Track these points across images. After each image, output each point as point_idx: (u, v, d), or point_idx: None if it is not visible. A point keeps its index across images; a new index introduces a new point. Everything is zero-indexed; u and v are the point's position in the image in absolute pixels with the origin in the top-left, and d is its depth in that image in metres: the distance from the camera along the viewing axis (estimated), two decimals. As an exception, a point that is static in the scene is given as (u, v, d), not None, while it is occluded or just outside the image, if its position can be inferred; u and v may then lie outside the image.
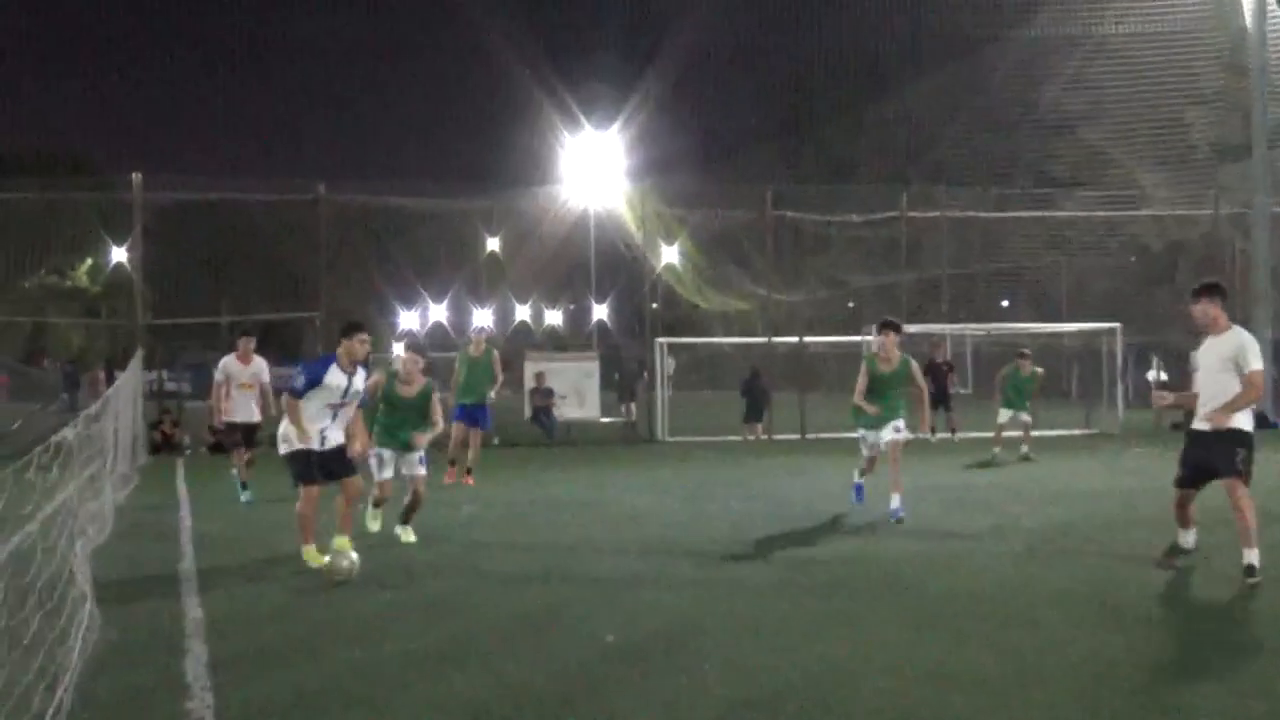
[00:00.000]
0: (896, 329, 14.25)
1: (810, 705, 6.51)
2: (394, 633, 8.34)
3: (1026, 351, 23.73)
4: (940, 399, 28.87)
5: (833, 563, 11.08)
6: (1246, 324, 29.75)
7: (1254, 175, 32.85)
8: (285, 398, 11.15)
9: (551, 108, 41.44)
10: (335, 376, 10.98)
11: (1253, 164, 32.87)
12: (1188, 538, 10.78)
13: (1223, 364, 10.04)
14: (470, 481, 18.29)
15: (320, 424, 11.03)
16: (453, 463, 18.52)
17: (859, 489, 14.89)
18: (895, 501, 13.81)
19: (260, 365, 17.08)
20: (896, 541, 12.36)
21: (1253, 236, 32.87)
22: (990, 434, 23.15)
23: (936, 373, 29.53)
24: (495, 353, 18.96)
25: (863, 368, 14.20)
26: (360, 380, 11.23)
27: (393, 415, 12.60)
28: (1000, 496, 16.28)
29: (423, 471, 12.54)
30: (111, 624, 8.32)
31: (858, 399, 14.01)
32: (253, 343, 17.07)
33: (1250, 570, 9.65)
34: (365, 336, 11.18)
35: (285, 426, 11.06)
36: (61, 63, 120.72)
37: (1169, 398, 11.47)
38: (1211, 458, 10.10)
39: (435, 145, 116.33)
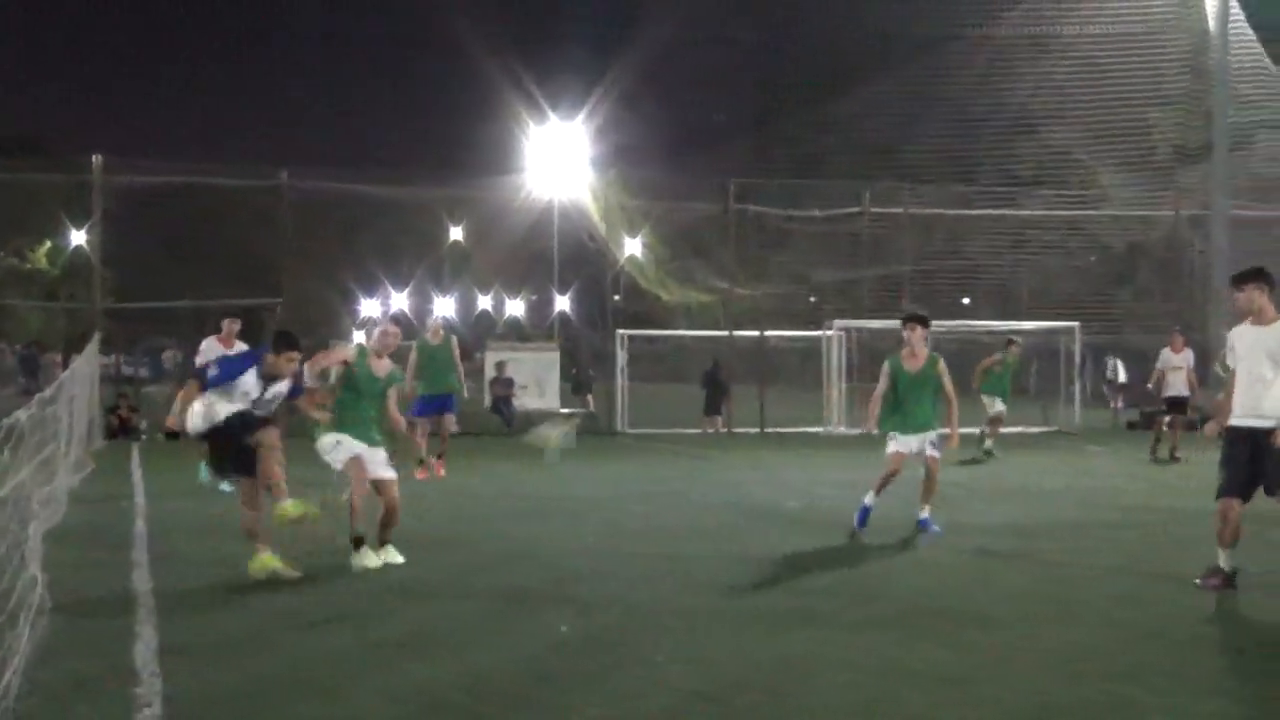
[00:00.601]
0: (925, 322, 12.88)
1: (764, 699, 6.51)
2: (350, 621, 8.29)
3: (1016, 339, 23.92)
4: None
5: (791, 558, 11.06)
6: (1204, 325, 30.35)
7: (1214, 177, 33.12)
8: (189, 380, 10.38)
9: (516, 98, 41.24)
10: (249, 381, 10.01)
11: (1213, 166, 33.13)
12: (1227, 558, 9.48)
13: (1271, 358, 9.32)
14: (441, 471, 17.93)
15: (231, 408, 9.95)
16: (421, 462, 17.89)
17: (865, 513, 12.47)
18: (926, 512, 12.59)
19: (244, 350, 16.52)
20: (855, 539, 12.35)
21: (1212, 238, 33.13)
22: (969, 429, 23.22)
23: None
24: (454, 340, 18.76)
25: (885, 368, 12.72)
26: (281, 386, 10.18)
27: (357, 403, 10.72)
28: (959, 494, 16.30)
29: (392, 475, 10.78)
30: (61, 609, 8.23)
31: (875, 405, 12.68)
32: (238, 325, 16.36)
33: None
34: (295, 355, 10.22)
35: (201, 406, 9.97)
36: (22, 44, 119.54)
37: (1214, 429, 10.14)
38: (1261, 468, 9.29)
39: (400, 134, 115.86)
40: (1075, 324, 31.41)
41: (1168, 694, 6.63)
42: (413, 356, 17.95)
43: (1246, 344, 9.52)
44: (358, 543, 10.32)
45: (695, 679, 6.85)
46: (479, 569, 10.37)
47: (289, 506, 9.64)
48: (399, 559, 10.48)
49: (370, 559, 10.27)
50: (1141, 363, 37.38)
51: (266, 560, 9.67)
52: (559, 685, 6.73)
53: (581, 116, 37.28)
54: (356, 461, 10.47)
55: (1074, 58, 35.34)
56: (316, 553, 10.24)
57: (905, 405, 12.55)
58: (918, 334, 12.59)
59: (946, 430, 12.95)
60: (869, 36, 44.81)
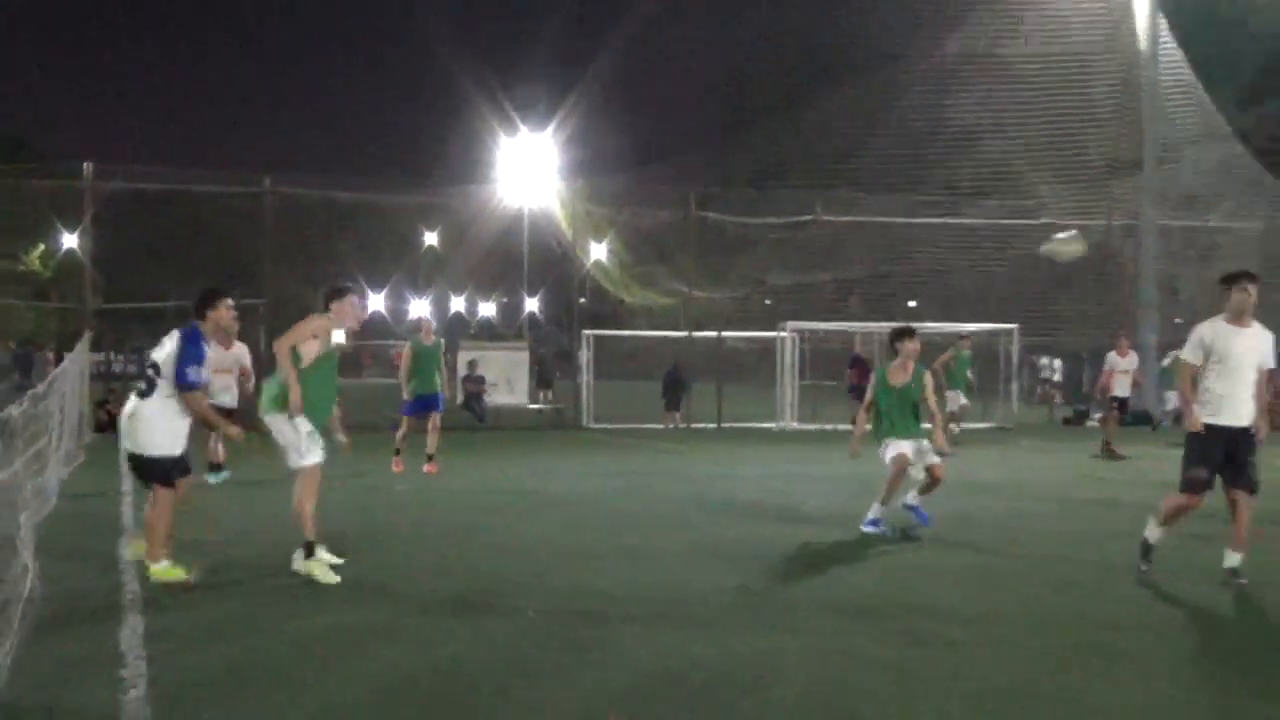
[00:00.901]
0: (914, 334, 12.17)
1: (730, 684, 6.50)
2: (326, 607, 8.22)
3: (967, 335, 24.40)
4: (860, 390, 29.22)
5: (751, 547, 11.04)
6: (1134, 330, 30.58)
7: (1144, 189, 33.41)
8: (193, 394, 8.90)
9: (489, 111, 41.19)
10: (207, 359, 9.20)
11: (1143, 178, 33.41)
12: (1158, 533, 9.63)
13: (1254, 358, 9.22)
14: (433, 469, 17.54)
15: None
16: (398, 452, 17.74)
17: (876, 524, 11.93)
18: (916, 499, 12.18)
19: (241, 349, 15.89)
20: (812, 529, 12.32)
21: (1141, 246, 33.44)
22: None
23: (859, 364, 29.89)
24: (442, 341, 18.66)
25: (872, 380, 12.23)
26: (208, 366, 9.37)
27: (323, 383, 9.46)
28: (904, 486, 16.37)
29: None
30: (51, 596, 8.16)
31: (862, 419, 12.17)
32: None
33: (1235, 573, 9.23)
34: (228, 302, 9.31)
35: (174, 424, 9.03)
36: (15, 50, 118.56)
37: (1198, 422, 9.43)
38: (1234, 464, 9.20)
39: (380, 143, 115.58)
40: (1015, 326, 31.65)
41: (1108, 675, 6.68)
42: (405, 356, 17.83)
43: (1229, 345, 9.24)
44: (310, 549, 9.27)
45: (661, 664, 6.82)
46: (452, 558, 10.32)
47: (165, 569, 8.85)
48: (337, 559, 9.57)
49: (323, 572, 9.12)
50: (1076, 363, 37.73)
51: (161, 571, 8.88)
52: (531, 671, 6.68)
53: (551, 128, 37.25)
54: (320, 468, 9.43)
55: (1014, 76, 35.54)
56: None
57: (891, 415, 12.01)
58: (910, 347, 11.97)
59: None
60: (823, 54, 45.01)
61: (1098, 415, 22.17)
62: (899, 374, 12.03)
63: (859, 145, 39.49)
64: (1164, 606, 8.69)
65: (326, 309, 9.51)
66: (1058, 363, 38.16)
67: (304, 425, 9.23)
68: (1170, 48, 33.73)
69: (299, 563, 9.21)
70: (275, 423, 9.24)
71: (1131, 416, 21.01)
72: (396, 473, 17.25)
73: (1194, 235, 34.53)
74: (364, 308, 10.26)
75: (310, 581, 9.04)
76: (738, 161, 46.00)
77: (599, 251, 34.08)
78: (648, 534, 11.80)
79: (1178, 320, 33.61)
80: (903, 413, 12.00)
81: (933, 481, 11.98)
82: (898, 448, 11.85)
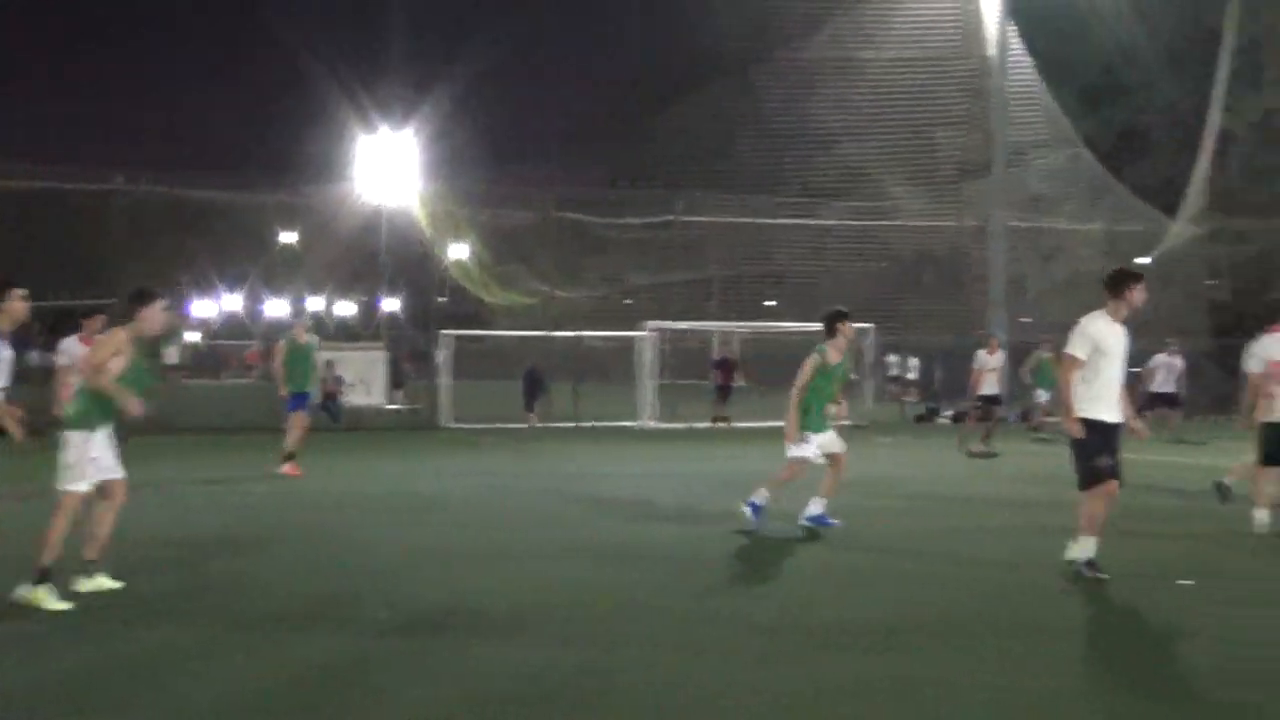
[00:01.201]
0: (849, 315, 12.43)
1: (585, 678, 6.52)
2: (174, 615, 8.07)
3: (1047, 339, 24.43)
4: (726, 389, 29.64)
5: (608, 542, 11.13)
6: (983, 327, 31.32)
7: (992, 192, 34.28)
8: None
9: (348, 107, 40.64)
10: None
11: (991, 181, 34.27)
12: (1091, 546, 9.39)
13: (1124, 355, 9.41)
14: (294, 471, 16.90)
15: None
16: (292, 456, 17.09)
17: (822, 519, 12.06)
18: (822, 507, 12.14)
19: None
20: (668, 527, 12.40)
21: (990, 247, 34.30)
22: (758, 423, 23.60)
23: (725, 365, 30.16)
24: (317, 339, 18.29)
25: (812, 361, 11.93)
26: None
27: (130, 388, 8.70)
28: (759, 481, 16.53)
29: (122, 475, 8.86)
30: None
31: (797, 406, 11.84)
32: (98, 323, 13.86)
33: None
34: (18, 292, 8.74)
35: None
36: None
37: (1142, 431, 10.01)
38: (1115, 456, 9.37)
39: (235, 140, 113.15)
40: (870, 325, 32.13)
41: (984, 674, 6.77)
42: (279, 354, 17.44)
43: (1110, 341, 9.34)
44: (45, 574, 8.15)
45: (512, 663, 6.83)
46: (302, 568, 10.10)
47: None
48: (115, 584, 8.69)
49: (50, 601, 8.07)
50: (929, 361, 38.51)
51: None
52: (377, 669, 6.64)
53: (411, 126, 36.82)
54: (80, 499, 8.53)
55: (871, 80, 36.09)
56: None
57: (821, 398, 11.98)
58: (849, 328, 12.37)
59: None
60: (684, 56, 45.26)
61: (979, 412, 22.55)
62: (835, 353, 12.13)
63: (720, 147, 39.81)
64: (1042, 605, 8.87)
65: (131, 316, 8.85)
66: (914, 360, 38.86)
67: (90, 451, 8.46)
68: (1019, 54, 34.62)
69: (23, 591, 8.13)
70: (69, 439, 8.48)
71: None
72: (293, 476, 16.77)
73: (1040, 236, 35.52)
74: (175, 313, 9.43)
75: (141, 597, 8.56)
76: (599, 162, 46.05)
77: (459, 251, 33.88)
78: (505, 533, 11.78)
79: (1024, 319, 34.53)
80: (827, 397, 12.05)
81: (837, 470, 12.15)
82: (804, 449, 11.88)
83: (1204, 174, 34.95)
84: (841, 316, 12.32)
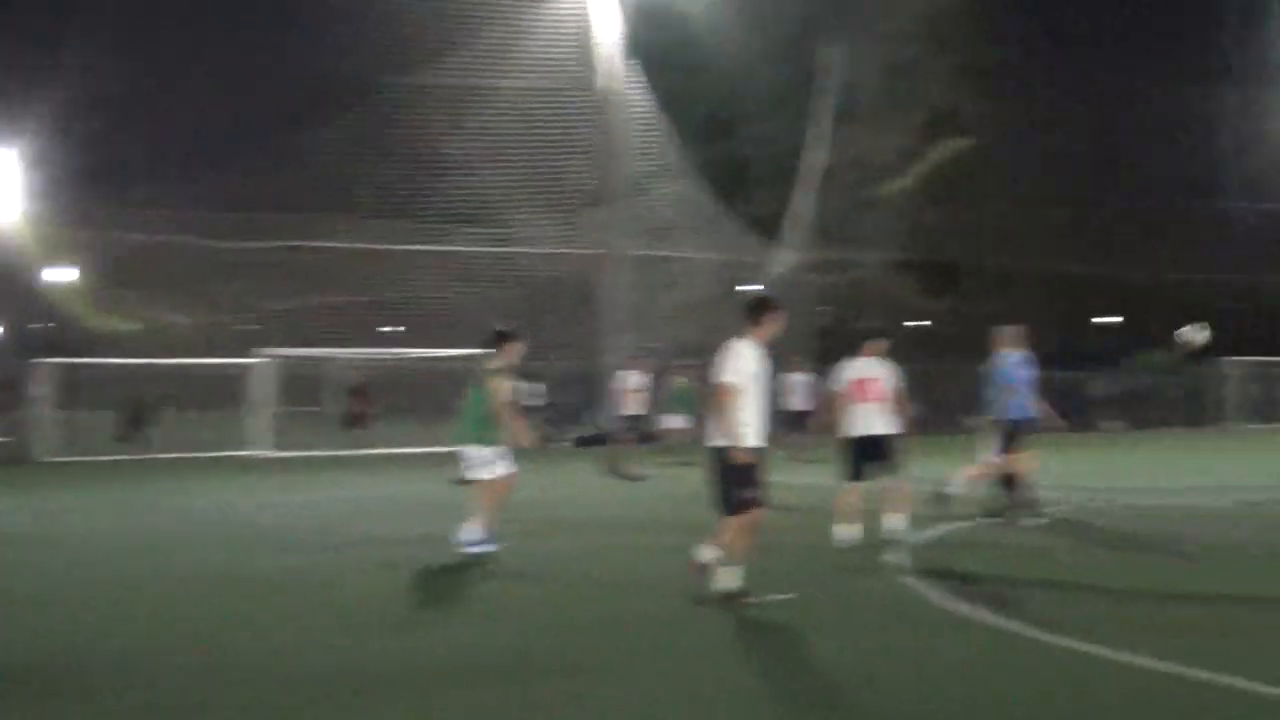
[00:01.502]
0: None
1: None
2: None
3: (686, 365, 25.42)
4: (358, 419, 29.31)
5: (229, 573, 11.21)
6: (604, 353, 32.13)
7: (615, 221, 35.28)
8: None
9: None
10: None
11: (614, 210, 35.27)
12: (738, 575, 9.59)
13: (766, 380, 9.57)
14: None
15: None
16: None
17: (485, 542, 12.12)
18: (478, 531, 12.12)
19: None
20: (268, 558, 12.31)
21: (614, 274, 35.28)
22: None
23: (359, 393, 29.81)
24: None
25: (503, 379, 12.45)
26: None
27: None
28: (388, 509, 16.44)
29: None
30: None
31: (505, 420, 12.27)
32: None
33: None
34: None
35: None
36: None
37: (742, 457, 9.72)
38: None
39: None
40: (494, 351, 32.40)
41: (607, 687, 7.09)
42: None
43: (757, 368, 9.45)
44: None
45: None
46: None
47: None
48: None
49: None
50: (563, 386, 39.13)
51: None
52: None
53: (14, 143, 34.78)
54: None
55: (498, 108, 36.45)
56: None
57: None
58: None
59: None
60: (317, 79, 44.58)
61: (629, 435, 23.05)
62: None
63: (353, 171, 39.40)
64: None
65: None
66: (542, 386, 39.36)
67: None
68: (638, 88, 35.71)
69: None
70: None
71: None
72: None
73: (659, 265, 36.64)
74: None
75: None
76: (226, 184, 44.76)
77: (66, 275, 32.28)
78: (114, 568, 11.63)
79: (653, 344, 35.51)
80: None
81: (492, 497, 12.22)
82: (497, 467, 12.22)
83: (805, 206, 37.06)
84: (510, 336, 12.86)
